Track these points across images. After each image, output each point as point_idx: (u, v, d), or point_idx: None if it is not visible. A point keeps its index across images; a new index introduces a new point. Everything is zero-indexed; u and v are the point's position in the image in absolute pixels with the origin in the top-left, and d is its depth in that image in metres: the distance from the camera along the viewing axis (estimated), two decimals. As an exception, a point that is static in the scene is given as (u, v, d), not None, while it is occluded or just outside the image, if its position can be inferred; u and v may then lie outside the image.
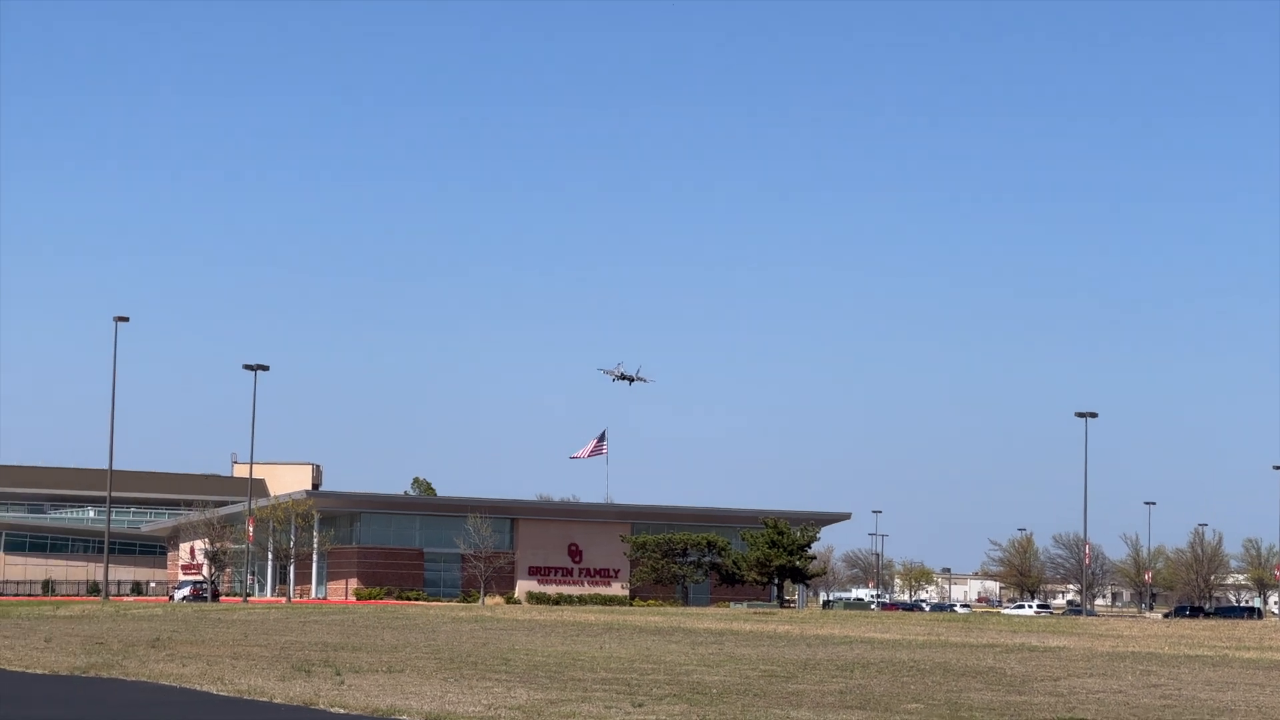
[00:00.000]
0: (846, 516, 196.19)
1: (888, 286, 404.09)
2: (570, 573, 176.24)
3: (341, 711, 35.98)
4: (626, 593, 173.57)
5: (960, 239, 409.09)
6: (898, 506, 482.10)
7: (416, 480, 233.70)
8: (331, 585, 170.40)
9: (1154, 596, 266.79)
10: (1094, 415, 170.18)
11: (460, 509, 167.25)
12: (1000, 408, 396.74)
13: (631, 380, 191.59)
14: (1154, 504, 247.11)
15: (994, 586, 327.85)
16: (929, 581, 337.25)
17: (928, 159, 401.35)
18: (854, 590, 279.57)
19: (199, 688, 42.19)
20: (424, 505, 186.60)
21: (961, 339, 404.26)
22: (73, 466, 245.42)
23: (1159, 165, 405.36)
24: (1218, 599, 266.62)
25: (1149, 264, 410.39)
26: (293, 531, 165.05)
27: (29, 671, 48.93)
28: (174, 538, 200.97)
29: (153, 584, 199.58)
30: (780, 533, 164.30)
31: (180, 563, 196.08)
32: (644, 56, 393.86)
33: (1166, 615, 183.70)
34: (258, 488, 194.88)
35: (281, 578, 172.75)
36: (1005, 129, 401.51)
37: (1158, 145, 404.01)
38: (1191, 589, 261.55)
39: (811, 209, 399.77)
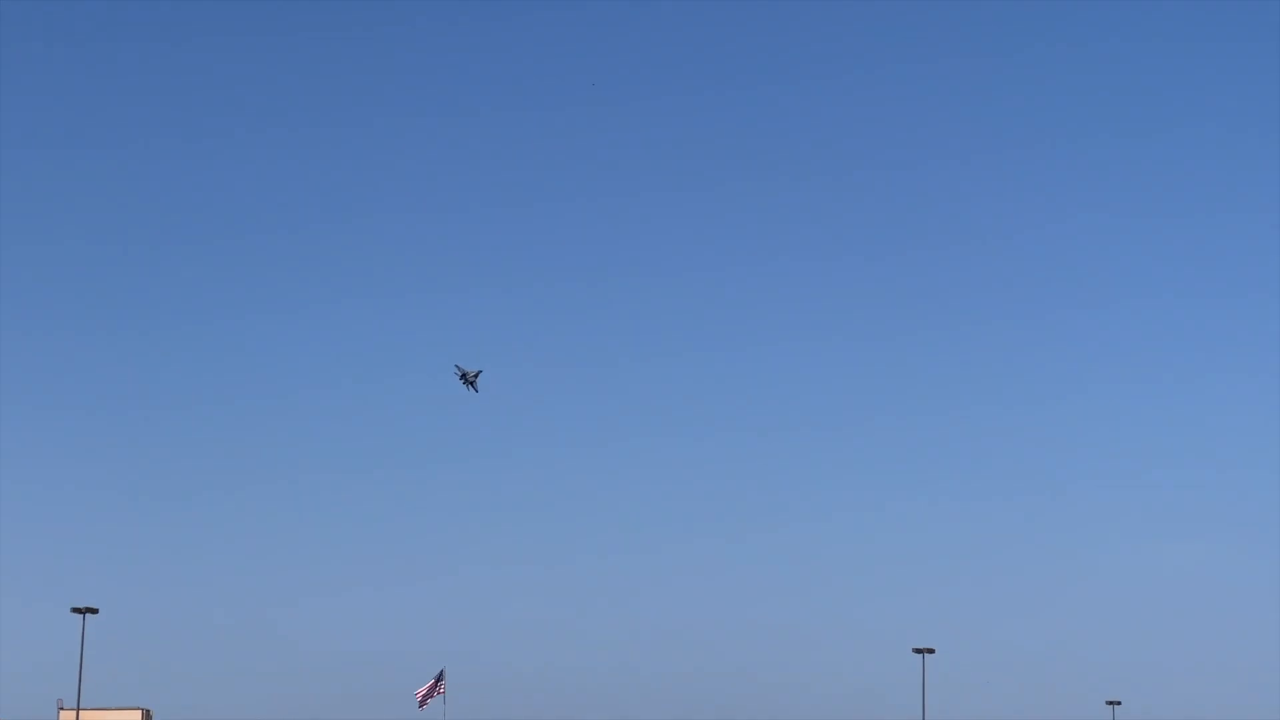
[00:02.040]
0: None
1: (724, 519, 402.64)
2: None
3: None
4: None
5: (781, 471, 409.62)
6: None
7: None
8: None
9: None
10: (931, 651, 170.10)
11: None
12: (836, 645, 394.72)
13: (468, 383, 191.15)
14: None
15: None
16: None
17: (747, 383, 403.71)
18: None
19: None
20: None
21: (792, 570, 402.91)
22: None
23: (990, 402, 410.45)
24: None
25: (978, 499, 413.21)
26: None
27: None
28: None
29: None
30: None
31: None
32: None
33: None
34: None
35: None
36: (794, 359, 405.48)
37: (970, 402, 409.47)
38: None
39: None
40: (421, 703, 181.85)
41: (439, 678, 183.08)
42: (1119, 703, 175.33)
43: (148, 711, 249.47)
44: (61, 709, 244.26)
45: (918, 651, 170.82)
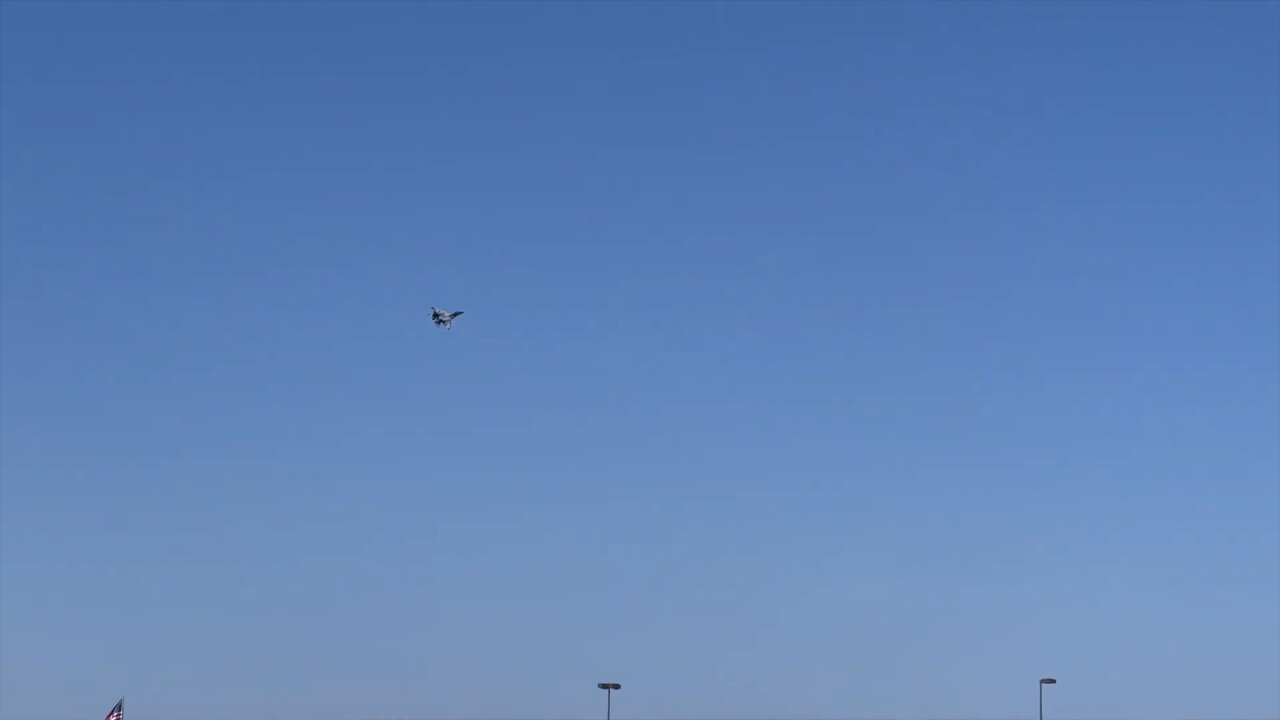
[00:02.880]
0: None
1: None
2: None
3: None
4: None
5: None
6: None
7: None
8: None
9: None
10: (617, 686, 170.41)
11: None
12: (523, 677, 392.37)
13: (441, 322, 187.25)
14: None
15: None
16: None
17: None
18: None
19: None
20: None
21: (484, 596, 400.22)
22: None
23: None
24: None
25: (670, 526, 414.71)
26: None
27: None
28: None
29: None
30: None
31: None
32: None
33: None
34: None
35: None
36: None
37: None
38: None
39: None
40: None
41: (118, 708, 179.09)
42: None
43: None
44: None
45: (604, 687, 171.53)
